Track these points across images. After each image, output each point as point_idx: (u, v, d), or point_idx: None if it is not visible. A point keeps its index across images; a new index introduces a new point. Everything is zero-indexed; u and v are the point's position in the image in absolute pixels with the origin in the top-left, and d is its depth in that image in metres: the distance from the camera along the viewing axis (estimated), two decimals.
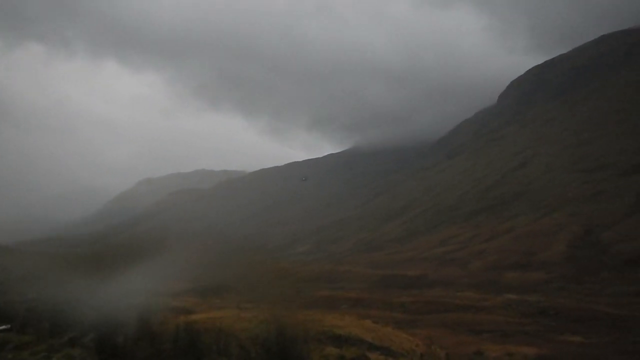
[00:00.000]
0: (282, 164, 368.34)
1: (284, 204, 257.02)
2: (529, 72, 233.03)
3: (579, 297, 59.92)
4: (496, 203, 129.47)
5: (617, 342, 39.73)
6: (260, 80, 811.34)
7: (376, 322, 47.13)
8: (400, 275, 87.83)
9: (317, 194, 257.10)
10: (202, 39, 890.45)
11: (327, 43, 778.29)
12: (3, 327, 23.24)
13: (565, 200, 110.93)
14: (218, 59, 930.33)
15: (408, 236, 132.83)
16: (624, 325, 44.90)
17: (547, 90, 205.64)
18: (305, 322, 24.92)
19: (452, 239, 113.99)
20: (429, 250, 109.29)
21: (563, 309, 52.13)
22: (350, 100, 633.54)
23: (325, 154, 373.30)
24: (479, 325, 47.70)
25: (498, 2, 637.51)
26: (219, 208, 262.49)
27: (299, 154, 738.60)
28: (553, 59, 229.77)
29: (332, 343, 24.00)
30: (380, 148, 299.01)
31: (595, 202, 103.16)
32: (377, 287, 79.15)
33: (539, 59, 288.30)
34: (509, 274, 79.95)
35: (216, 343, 16.57)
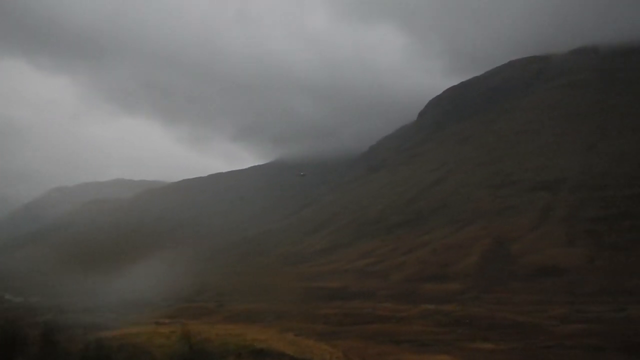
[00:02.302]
0: (205, 174, 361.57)
1: (208, 216, 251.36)
2: (446, 92, 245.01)
3: (491, 306, 63.17)
4: (415, 217, 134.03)
5: (525, 347, 42.24)
6: (181, 88, 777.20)
7: (298, 334, 47.00)
8: (324, 287, 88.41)
9: (241, 206, 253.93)
10: (118, 43, 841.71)
11: (250, 53, 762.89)
12: None
13: (478, 214, 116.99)
14: (136, 63, 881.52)
15: (331, 249, 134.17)
16: (531, 331, 47.85)
17: (462, 110, 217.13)
18: (225, 336, 24.36)
19: (373, 251, 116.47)
20: (352, 262, 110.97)
21: (476, 318, 54.70)
22: (275, 112, 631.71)
23: (249, 165, 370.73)
24: (398, 335, 48.96)
25: (416, 23, 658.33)
26: (138, 220, 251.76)
27: (222, 165, 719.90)
28: (468, 80, 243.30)
29: (252, 357, 23.58)
30: (305, 161, 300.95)
31: (505, 216, 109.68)
32: (301, 299, 79.06)
33: (456, 80, 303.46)
34: (426, 285, 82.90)
35: None
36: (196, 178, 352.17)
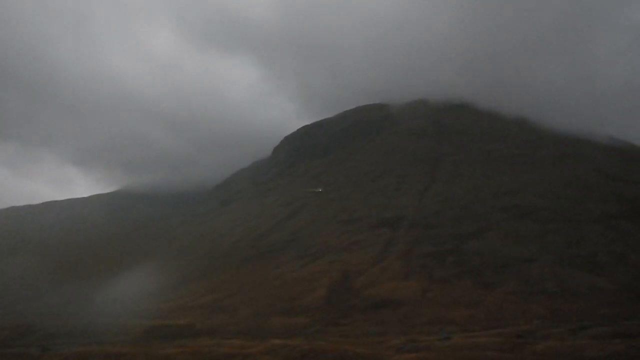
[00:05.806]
0: (38, 202, 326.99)
1: (37, 248, 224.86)
2: (300, 130, 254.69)
3: (335, 339, 65.34)
4: (267, 251, 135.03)
5: None
6: (8, 104, 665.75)
7: None
8: (168, 325, 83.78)
9: (79, 238, 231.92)
10: None
11: (91, 72, 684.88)
12: None
13: (327, 248, 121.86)
14: None
15: (179, 284, 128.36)
16: None
17: (315, 148, 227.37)
18: None
19: (223, 285, 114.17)
20: (200, 297, 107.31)
21: (321, 351, 56.01)
22: (122, 138, 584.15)
23: (91, 193, 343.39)
24: None
25: (270, 61, 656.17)
26: None
27: (57, 192, 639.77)
28: (321, 120, 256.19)
29: None
30: (156, 191, 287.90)
31: (350, 251, 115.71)
32: (142, 339, 73.88)
33: (309, 120, 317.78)
34: (275, 319, 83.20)
35: None
36: (26, 206, 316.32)
